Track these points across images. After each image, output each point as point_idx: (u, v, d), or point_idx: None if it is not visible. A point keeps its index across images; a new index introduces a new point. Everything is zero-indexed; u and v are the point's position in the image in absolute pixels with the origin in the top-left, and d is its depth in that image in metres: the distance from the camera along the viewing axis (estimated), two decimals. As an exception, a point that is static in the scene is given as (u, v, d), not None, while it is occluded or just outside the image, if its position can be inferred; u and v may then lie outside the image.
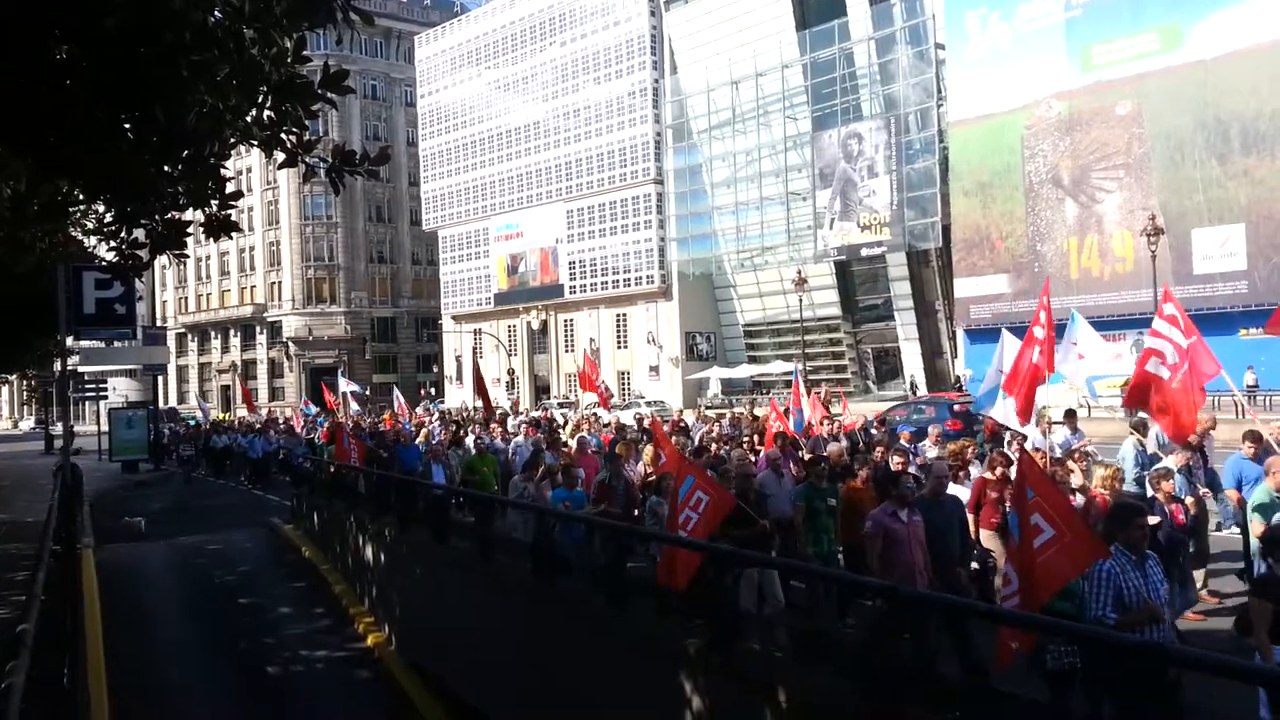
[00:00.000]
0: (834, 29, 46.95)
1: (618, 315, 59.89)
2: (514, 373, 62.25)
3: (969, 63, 42.72)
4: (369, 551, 15.23)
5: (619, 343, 59.93)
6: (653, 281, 56.69)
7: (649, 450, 12.86)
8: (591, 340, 61.09)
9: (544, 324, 64.17)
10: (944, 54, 43.91)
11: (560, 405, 47.80)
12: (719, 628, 7.29)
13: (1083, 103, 39.41)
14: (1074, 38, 39.51)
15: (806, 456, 13.64)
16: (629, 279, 58.10)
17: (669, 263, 55.84)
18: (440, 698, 11.69)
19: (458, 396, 63.65)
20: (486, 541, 11.41)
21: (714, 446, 14.12)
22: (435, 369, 75.52)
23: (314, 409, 38.41)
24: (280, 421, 37.01)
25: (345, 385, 38.09)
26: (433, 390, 71.37)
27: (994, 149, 41.96)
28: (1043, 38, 40.30)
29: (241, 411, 64.31)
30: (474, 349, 64.45)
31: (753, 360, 54.69)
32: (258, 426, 33.75)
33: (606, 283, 59.40)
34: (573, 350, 62.27)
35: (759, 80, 50.20)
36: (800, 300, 44.91)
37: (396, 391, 35.42)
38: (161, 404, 47.56)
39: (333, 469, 18.57)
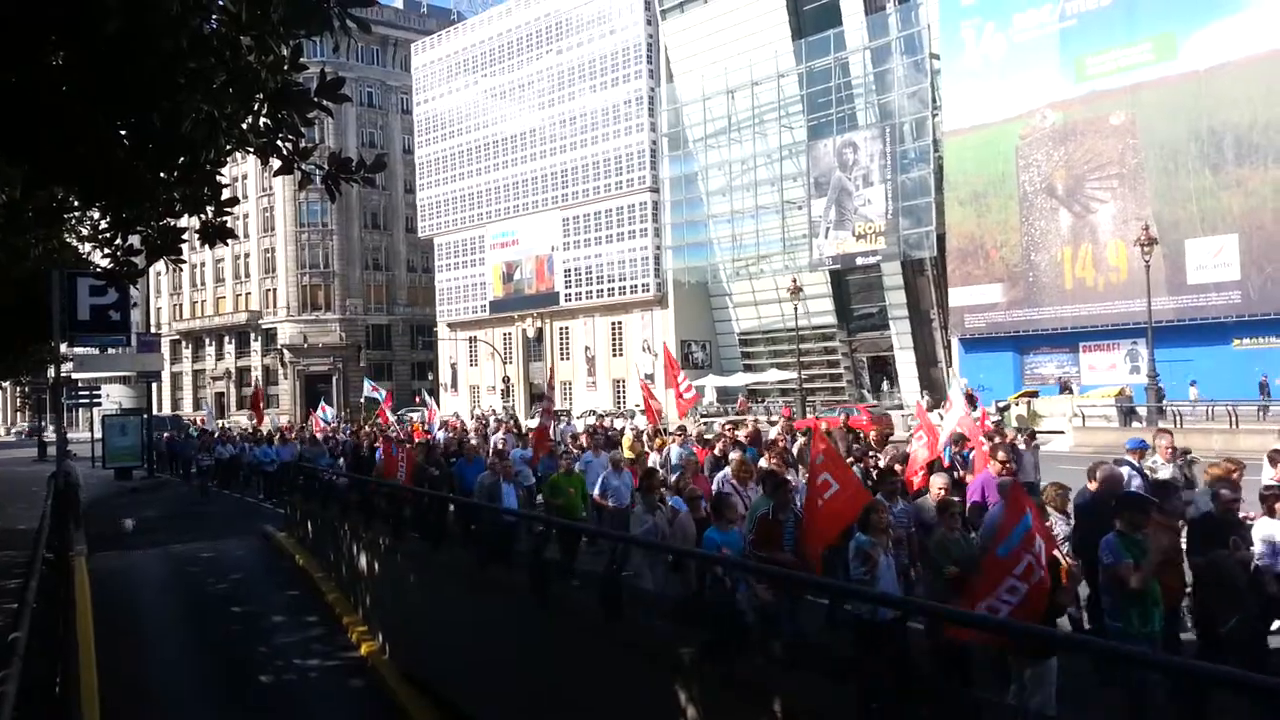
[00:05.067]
0: (829, 38, 47.08)
1: (613, 323, 59.87)
2: (509, 380, 62.16)
3: (964, 73, 42.87)
4: (363, 560, 15.18)
5: (614, 351, 59.89)
6: (648, 290, 56.71)
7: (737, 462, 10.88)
8: (587, 348, 61.07)
9: (539, 332, 64.14)
10: (939, 64, 44.06)
11: (558, 413, 47.66)
12: (714, 636, 7.27)
13: (1077, 113, 39.56)
14: (1068, 48, 39.68)
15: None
16: (624, 287, 58.12)
17: (664, 271, 55.85)
18: (434, 707, 11.65)
19: (452, 405, 63.52)
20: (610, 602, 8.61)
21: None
22: (430, 376, 75.42)
23: (330, 415, 36.88)
24: (298, 430, 34.30)
25: (370, 389, 35.92)
26: (428, 398, 71.18)
27: (989, 159, 42.09)
28: (1037, 48, 40.47)
29: (239, 418, 64.20)
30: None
31: (748, 369, 54.69)
32: (273, 435, 31.50)
33: (602, 290, 59.39)
34: (568, 358, 62.26)
35: (754, 89, 50.32)
36: (795, 309, 44.95)
37: (427, 396, 33.99)
38: (156, 411, 47.35)
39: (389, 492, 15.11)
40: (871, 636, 6.48)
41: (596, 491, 12.63)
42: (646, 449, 15.67)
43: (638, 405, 49.27)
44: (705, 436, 15.85)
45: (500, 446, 16.71)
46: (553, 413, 17.78)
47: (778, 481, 9.09)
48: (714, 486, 11.04)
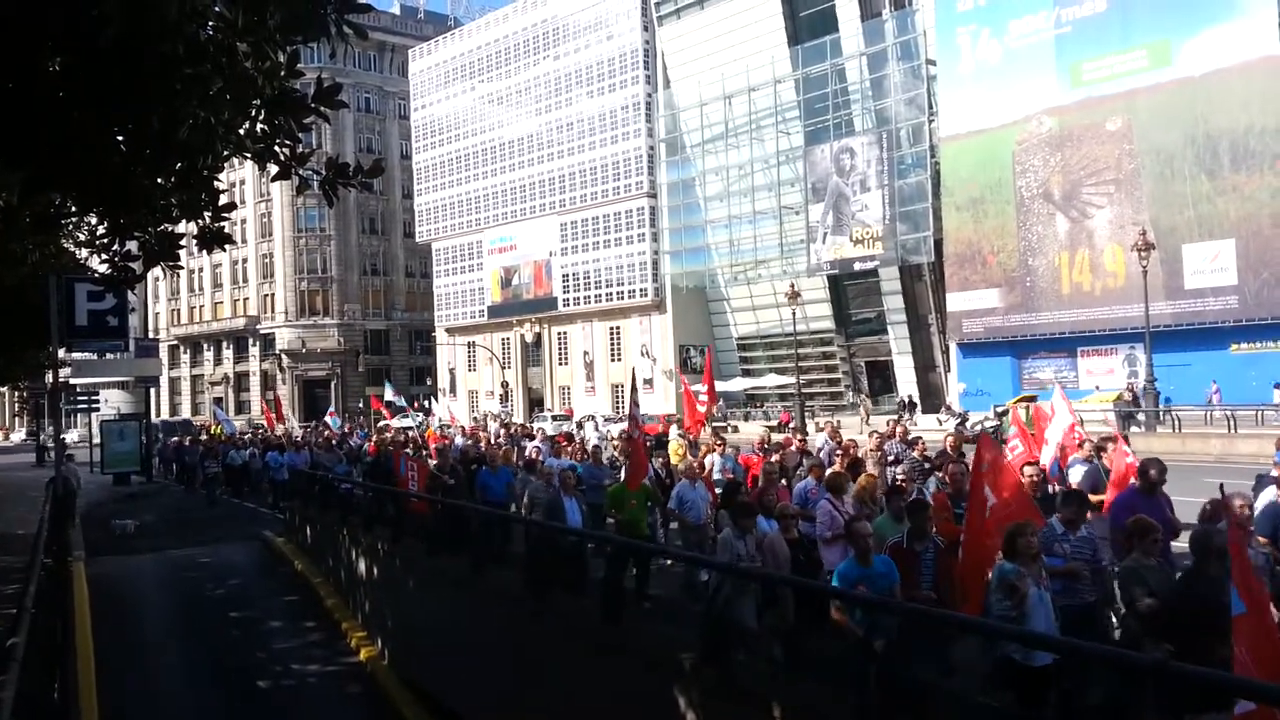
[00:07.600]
0: (826, 45, 47.19)
1: (611, 328, 59.88)
2: (507, 385, 62.14)
3: (960, 78, 42.95)
4: (362, 565, 15.17)
5: (612, 356, 59.89)
6: (646, 295, 56.74)
7: (862, 479, 9.50)
8: (585, 353, 61.06)
9: (537, 337, 64.15)
10: (935, 70, 44.15)
11: (554, 419, 47.64)
12: (714, 642, 7.26)
13: (1073, 119, 39.63)
14: (1064, 54, 39.76)
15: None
16: (622, 292, 58.15)
17: (662, 276, 55.89)
18: (433, 713, 11.63)
19: (451, 409, 63.40)
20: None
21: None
22: (429, 381, 75.37)
23: (338, 420, 36.31)
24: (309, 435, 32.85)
25: (391, 394, 35.00)
26: (426, 403, 71.12)
27: (985, 164, 42.15)
28: (1033, 54, 40.54)
29: (238, 424, 63.89)
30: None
31: (746, 374, 54.72)
32: (282, 441, 30.02)
33: (600, 296, 59.41)
34: (566, 363, 62.26)
35: (751, 95, 50.40)
36: (794, 314, 44.97)
37: (433, 403, 33.31)
38: (155, 416, 47.14)
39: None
40: (1026, 685, 5.53)
41: (671, 505, 11.44)
42: (694, 458, 13.75)
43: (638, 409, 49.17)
44: (765, 445, 14.39)
45: (535, 456, 15.37)
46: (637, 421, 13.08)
47: (915, 504, 7.62)
48: (793, 499, 10.06)
